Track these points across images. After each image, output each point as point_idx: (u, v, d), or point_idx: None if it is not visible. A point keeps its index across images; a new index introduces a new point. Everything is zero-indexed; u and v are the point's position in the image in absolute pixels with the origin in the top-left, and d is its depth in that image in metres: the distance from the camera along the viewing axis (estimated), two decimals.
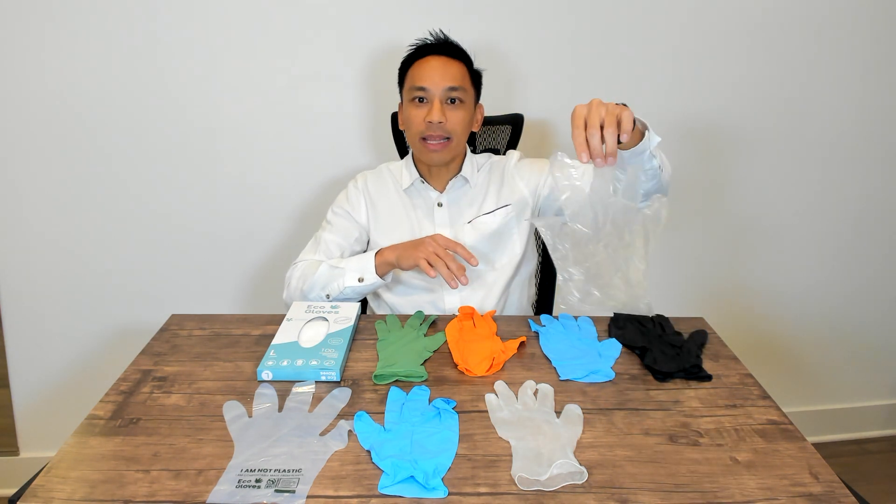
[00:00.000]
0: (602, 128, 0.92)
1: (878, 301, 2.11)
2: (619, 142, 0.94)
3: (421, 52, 1.32)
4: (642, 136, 1.06)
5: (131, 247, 1.79)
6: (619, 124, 0.93)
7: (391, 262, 1.25)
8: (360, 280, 1.27)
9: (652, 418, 0.94)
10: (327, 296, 1.29)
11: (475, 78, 1.36)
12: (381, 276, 1.27)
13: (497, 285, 1.39)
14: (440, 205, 1.40)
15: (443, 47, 1.32)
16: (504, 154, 1.56)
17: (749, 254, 2.00)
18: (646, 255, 1.05)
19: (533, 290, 1.52)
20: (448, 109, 1.29)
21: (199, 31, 1.64)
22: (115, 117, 1.68)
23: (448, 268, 1.15)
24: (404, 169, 1.43)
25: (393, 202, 1.41)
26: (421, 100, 1.30)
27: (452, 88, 1.28)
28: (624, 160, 1.08)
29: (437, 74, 1.28)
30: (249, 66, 1.68)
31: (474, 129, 1.39)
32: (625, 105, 1.00)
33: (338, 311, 1.22)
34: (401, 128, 1.43)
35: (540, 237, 1.57)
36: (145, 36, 1.63)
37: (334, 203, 1.45)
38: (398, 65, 1.37)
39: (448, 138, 1.30)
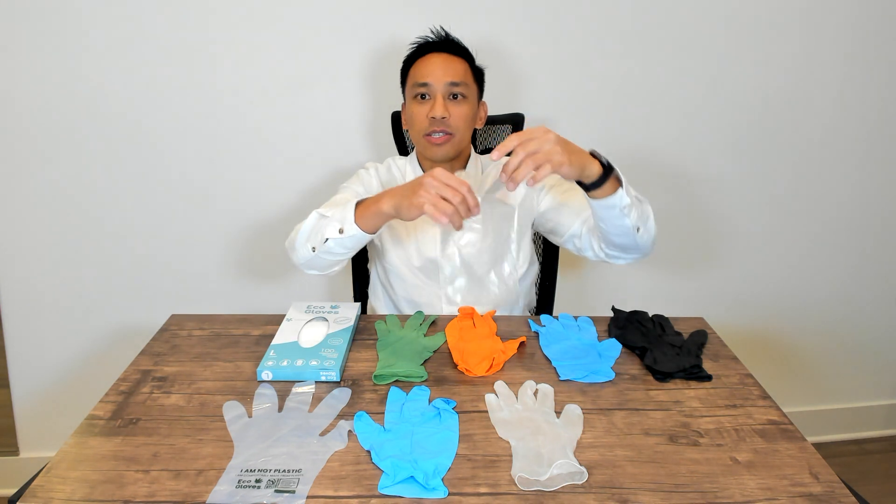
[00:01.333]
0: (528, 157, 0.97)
1: (879, 301, 2.11)
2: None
3: (422, 49, 1.32)
4: (616, 188, 1.08)
5: (131, 247, 1.79)
6: (539, 167, 0.97)
7: (386, 213, 1.09)
8: (340, 231, 1.13)
9: (652, 418, 0.94)
10: (313, 249, 1.18)
11: (477, 74, 1.35)
12: (371, 229, 1.13)
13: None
14: None
15: (444, 44, 1.31)
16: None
17: (749, 254, 2.00)
18: (518, 257, 1.04)
19: (533, 296, 1.52)
20: (451, 105, 1.28)
21: (199, 31, 1.64)
22: (115, 118, 1.68)
23: (454, 208, 1.01)
24: (408, 166, 1.42)
25: None
26: (423, 96, 1.29)
27: (454, 84, 1.28)
28: (592, 207, 1.13)
29: (439, 70, 1.28)
30: (249, 67, 1.68)
31: (478, 126, 1.39)
32: (593, 153, 1.05)
33: (338, 311, 1.22)
34: (404, 127, 1.42)
35: (541, 243, 1.56)
36: (145, 36, 1.63)
37: (345, 183, 1.40)
38: (399, 64, 1.37)
39: (451, 134, 1.30)
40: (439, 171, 1.03)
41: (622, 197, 1.07)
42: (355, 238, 1.14)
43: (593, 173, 1.05)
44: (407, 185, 1.08)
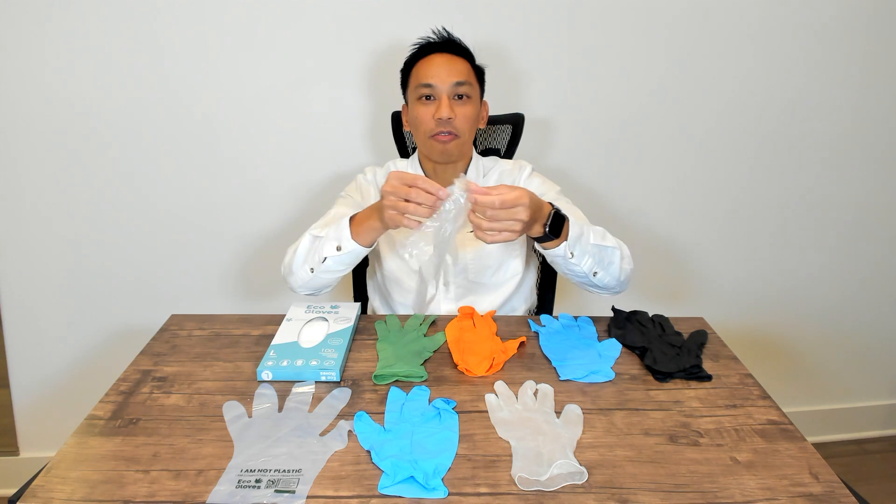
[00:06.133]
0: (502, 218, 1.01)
1: (878, 301, 2.11)
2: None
3: (424, 50, 1.31)
4: (559, 237, 1.12)
5: (131, 247, 1.79)
6: (501, 231, 1.01)
7: (380, 227, 1.13)
8: (339, 249, 1.17)
9: (652, 418, 0.94)
10: (311, 269, 1.21)
11: (479, 74, 1.35)
12: (368, 243, 1.17)
13: (499, 298, 1.38)
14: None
15: (446, 45, 1.31)
16: (506, 157, 1.56)
17: (749, 253, 2.00)
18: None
19: (534, 299, 1.52)
20: (456, 105, 1.28)
21: (200, 30, 1.64)
22: (115, 117, 1.68)
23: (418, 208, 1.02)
24: (410, 168, 1.41)
25: None
26: (428, 97, 1.28)
27: (459, 83, 1.27)
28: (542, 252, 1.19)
29: (444, 71, 1.27)
30: (250, 67, 1.68)
31: (480, 126, 1.38)
32: (558, 214, 1.10)
33: (338, 311, 1.22)
34: (406, 129, 1.42)
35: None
36: (146, 35, 1.63)
37: (342, 191, 1.42)
38: (399, 64, 1.37)
39: (457, 135, 1.29)
40: (391, 177, 1.03)
41: (564, 249, 1.14)
42: (353, 253, 1.18)
43: (536, 232, 1.10)
44: (376, 203, 1.11)
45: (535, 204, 1.04)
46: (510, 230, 1.02)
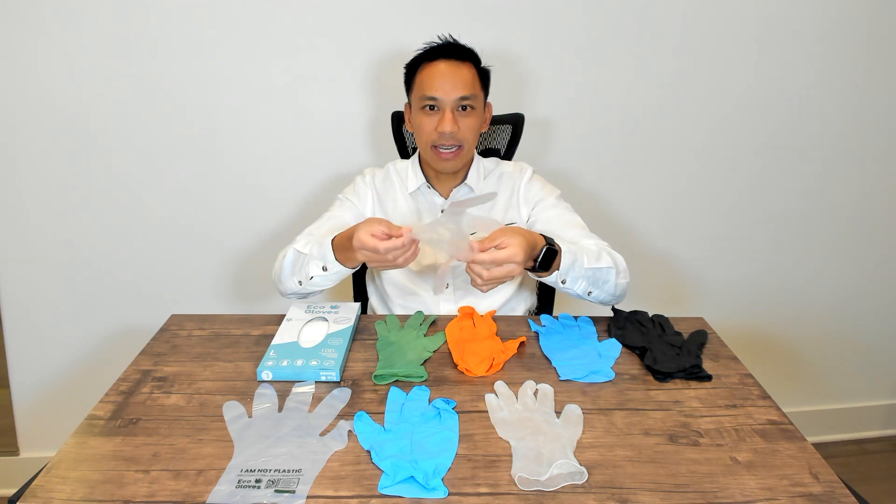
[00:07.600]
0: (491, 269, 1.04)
1: (878, 301, 2.11)
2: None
3: (429, 54, 1.29)
4: (549, 266, 1.13)
5: (131, 247, 1.79)
6: (488, 283, 1.05)
7: (361, 259, 1.13)
8: (324, 269, 1.19)
9: (652, 418, 0.94)
10: (299, 282, 1.24)
11: (484, 78, 1.33)
12: (353, 265, 1.19)
13: (499, 299, 1.38)
14: (443, 212, 1.37)
15: (451, 49, 1.29)
16: (506, 157, 1.56)
17: (749, 254, 2.00)
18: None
19: (534, 300, 1.51)
20: (459, 117, 1.27)
21: (199, 30, 1.64)
22: (115, 118, 1.68)
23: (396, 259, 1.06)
24: (410, 171, 1.41)
25: (399, 204, 1.40)
26: (431, 107, 1.27)
27: (464, 97, 1.26)
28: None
29: (448, 83, 1.25)
30: (250, 67, 1.68)
31: (483, 130, 1.38)
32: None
33: (338, 311, 1.22)
34: (408, 129, 1.42)
35: None
36: (146, 35, 1.62)
37: (341, 193, 1.42)
38: (399, 65, 1.36)
39: (460, 146, 1.29)
40: (360, 249, 1.05)
41: (556, 277, 1.16)
42: (340, 273, 1.21)
43: (527, 265, 1.10)
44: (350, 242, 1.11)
45: (529, 246, 1.05)
46: (502, 282, 1.07)
